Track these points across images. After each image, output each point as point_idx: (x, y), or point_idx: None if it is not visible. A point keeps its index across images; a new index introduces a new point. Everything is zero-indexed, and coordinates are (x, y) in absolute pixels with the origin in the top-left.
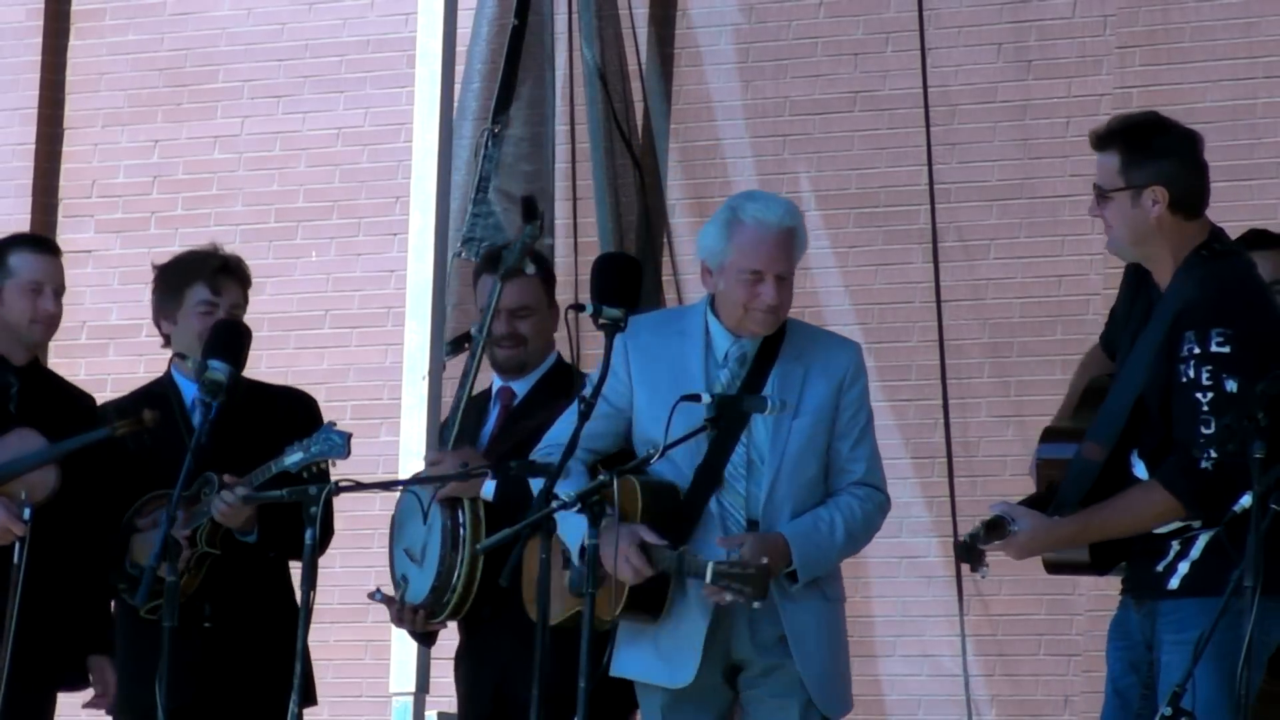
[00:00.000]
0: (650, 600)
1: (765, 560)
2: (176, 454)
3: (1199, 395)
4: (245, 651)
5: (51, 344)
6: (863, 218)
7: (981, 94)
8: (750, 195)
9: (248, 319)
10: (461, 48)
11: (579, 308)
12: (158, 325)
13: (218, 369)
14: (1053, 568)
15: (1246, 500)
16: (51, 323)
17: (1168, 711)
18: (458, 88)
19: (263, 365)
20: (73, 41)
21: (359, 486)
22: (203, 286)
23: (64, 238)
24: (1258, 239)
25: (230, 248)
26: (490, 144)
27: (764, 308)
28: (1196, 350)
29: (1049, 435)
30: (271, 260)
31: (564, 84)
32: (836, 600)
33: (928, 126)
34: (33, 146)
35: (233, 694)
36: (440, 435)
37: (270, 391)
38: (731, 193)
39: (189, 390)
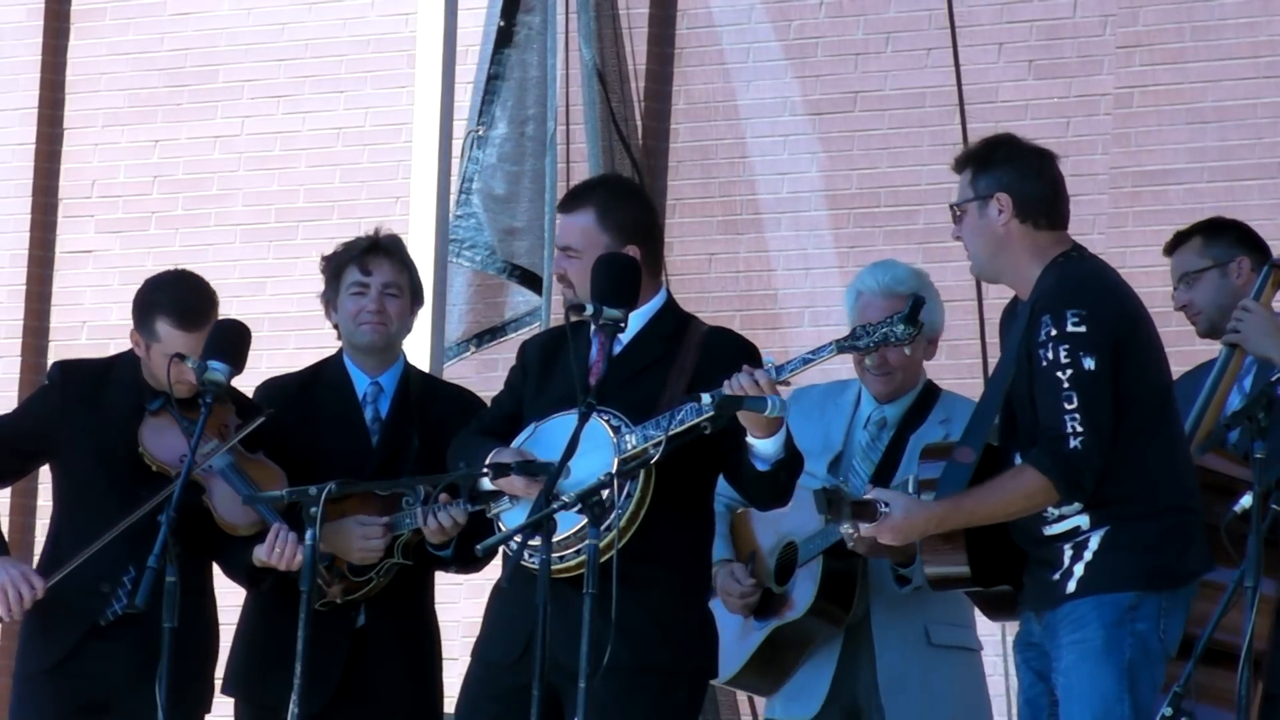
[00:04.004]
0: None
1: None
2: (352, 444)
3: (1059, 374)
4: (390, 659)
5: (51, 344)
6: (863, 218)
7: (982, 94)
8: (875, 263)
9: (247, 319)
10: (462, 47)
11: (579, 307)
12: (329, 318)
13: (218, 369)
14: (936, 583)
15: (1247, 500)
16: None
17: (1168, 712)
18: (458, 88)
19: (263, 365)
20: (73, 41)
21: (359, 486)
22: (354, 268)
23: (64, 238)
24: (1175, 240)
25: (230, 248)
26: (474, 145)
27: (870, 369)
28: (1054, 331)
29: (928, 454)
30: (271, 260)
31: (562, 84)
32: (949, 647)
33: (964, 125)
34: (33, 146)
35: (374, 700)
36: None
37: (444, 389)
38: (731, 193)
39: (361, 381)
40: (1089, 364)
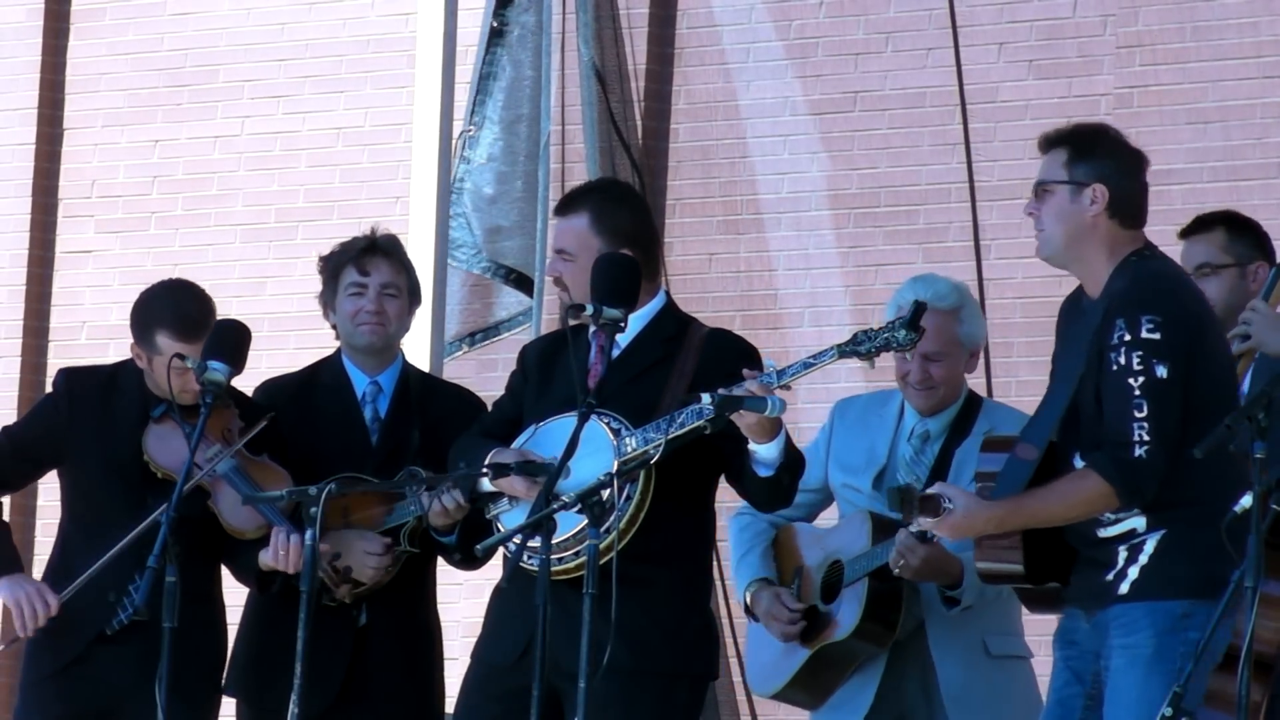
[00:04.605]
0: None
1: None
2: (351, 444)
3: (1130, 381)
4: (391, 659)
5: (51, 344)
6: (863, 218)
7: (982, 94)
8: (916, 277)
9: (247, 319)
10: (462, 47)
11: (579, 308)
12: (327, 319)
13: (217, 369)
14: (988, 578)
15: (1247, 500)
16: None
17: (1168, 712)
18: (458, 88)
19: (263, 365)
20: (73, 41)
21: (359, 486)
22: (351, 269)
23: (64, 238)
24: (1197, 225)
25: (230, 248)
26: (466, 145)
27: (912, 384)
28: (1127, 337)
29: (989, 446)
30: (271, 260)
31: (560, 84)
32: (1005, 658)
33: (965, 125)
34: (33, 146)
35: (374, 700)
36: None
37: (443, 388)
38: (731, 193)
39: (360, 381)
40: (1161, 372)
